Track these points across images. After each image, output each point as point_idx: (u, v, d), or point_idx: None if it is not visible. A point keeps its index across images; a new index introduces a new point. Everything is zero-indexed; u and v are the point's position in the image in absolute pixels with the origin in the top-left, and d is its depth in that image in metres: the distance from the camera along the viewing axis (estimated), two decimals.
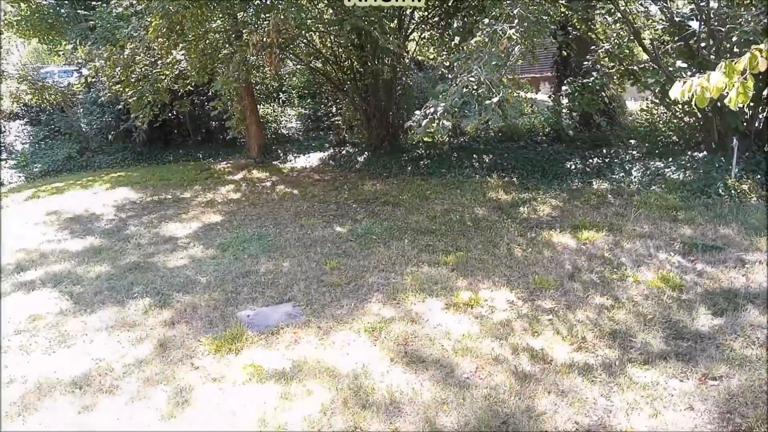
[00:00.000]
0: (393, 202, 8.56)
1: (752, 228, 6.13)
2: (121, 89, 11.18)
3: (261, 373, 4.09)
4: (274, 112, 17.54)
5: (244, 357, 4.35)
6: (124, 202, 10.16)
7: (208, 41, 9.49)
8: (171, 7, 8.11)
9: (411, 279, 5.61)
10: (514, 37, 5.94)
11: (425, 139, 10.09)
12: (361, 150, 12.72)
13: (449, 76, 6.74)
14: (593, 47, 10.35)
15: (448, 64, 9.33)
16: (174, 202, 9.85)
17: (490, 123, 5.68)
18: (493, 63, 5.87)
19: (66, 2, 15.89)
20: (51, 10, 15.92)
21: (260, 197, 9.76)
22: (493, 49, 6.08)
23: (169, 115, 14.15)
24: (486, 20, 6.45)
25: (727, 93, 2.75)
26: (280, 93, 18.56)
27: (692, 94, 2.88)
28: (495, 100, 5.44)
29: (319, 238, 7.20)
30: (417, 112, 5.82)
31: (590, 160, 9.58)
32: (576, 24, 10.07)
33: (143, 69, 10.94)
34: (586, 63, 9.86)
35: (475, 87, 5.74)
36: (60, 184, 12.59)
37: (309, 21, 8.41)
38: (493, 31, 6.05)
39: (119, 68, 10.89)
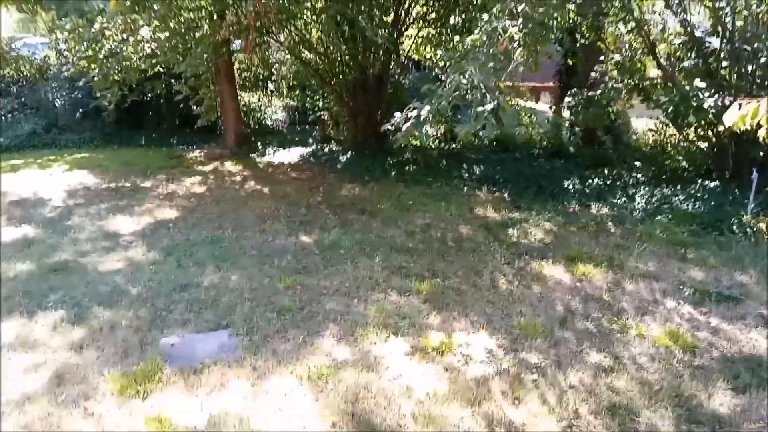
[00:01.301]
0: (370, 211, 7.70)
1: None
2: (87, 65, 10.26)
3: (166, 430, 3.23)
4: (259, 101, 16.59)
5: (153, 404, 3.47)
6: (77, 187, 9.21)
7: (181, 19, 8.57)
8: None
9: (375, 309, 4.76)
10: (517, 37, 5.10)
11: (414, 142, 9.25)
12: (344, 149, 11.85)
13: (442, 77, 5.88)
14: (602, 58, 9.56)
15: (442, 64, 8.49)
16: (131, 192, 8.92)
17: (481, 133, 4.86)
18: (490, 65, 5.04)
19: None
20: None
21: (226, 193, 8.86)
22: (491, 50, 5.25)
23: (144, 96, 13.13)
24: (486, 17, 5.60)
25: None
26: (269, 82, 17.60)
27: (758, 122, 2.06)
28: (489, 107, 4.60)
29: (280, 247, 6.33)
30: (397, 114, 4.96)
31: (590, 181, 8.74)
32: (585, 32, 9.26)
33: (113, 46, 10.02)
34: (594, 74, 9.04)
35: (467, 90, 4.91)
36: (18, 162, 11.60)
37: (291, 7, 7.53)
38: (492, 29, 5.20)
39: (86, 42, 9.98)
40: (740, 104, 2.10)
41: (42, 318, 4.60)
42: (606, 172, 9.24)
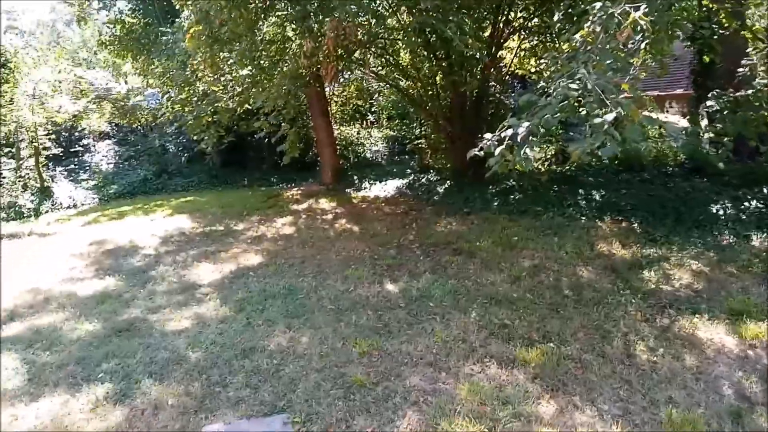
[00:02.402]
0: (467, 250, 6.62)
1: None
2: (181, 108, 10.29)
3: None
4: (358, 134, 16.22)
5: None
6: (173, 232, 9.07)
7: (264, 53, 8.17)
8: (210, 9, 6.85)
9: (468, 389, 3.69)
10: (642, 22, 3.87)
11: (516, 166, 8.08)
12: (443, 178, 10.88)
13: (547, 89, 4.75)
14: (747, 51, 7.79)
15: (547, 74, 7.29)
16: (222, 236, 8.58)
17: (600, 152, 3.67)
18: (608, 62, 3.86)
19: (155, 20, 15.58)
20: (140, 30, 15.71)
21: (314, 234, 8.22)
22: (607, 45, 4.06)
23: (248, 137, 13.17)
24: (598, 4, 4.42)
25: None
26: (369, 113, 17.26)
27: None
28: (609, 117, 3.41)
29: (361, 299, 5.46)
30: (487, 135, 3.90)
31: (746, 204, 6.97)
32: (723, 21, 7.59)
33: (206, 87, 9.95)
34: (741, 70, 7.31)
35: (579, 98, 3.76)
36: (127, 208, 12.00)
37: (373, 23, 6.79)
38: (609, 15, 4.02)
39: (178, 86, 10.01)
40: None
41: (85, 394, 4.10)
42: (765, 192, 7.36)
